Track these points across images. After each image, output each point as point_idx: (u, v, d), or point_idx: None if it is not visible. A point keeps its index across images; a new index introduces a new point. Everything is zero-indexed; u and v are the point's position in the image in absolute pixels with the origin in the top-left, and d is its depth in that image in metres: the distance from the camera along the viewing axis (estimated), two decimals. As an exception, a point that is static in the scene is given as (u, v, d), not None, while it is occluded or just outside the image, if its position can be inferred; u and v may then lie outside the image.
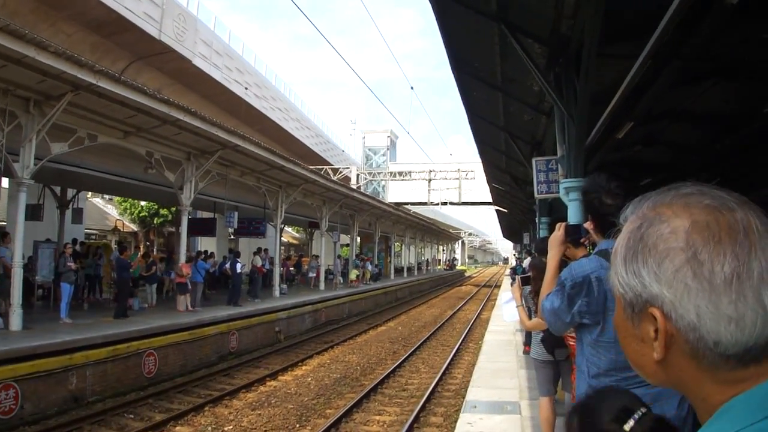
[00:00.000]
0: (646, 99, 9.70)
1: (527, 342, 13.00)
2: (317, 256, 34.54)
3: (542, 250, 6.03)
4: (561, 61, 9.17)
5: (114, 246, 28.65)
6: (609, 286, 1.03)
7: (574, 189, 9.03)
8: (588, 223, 3.21)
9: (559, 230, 3.46)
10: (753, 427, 0.79)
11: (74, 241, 21.28)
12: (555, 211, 18.29)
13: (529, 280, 5.75)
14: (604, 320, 2.84)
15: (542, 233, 18.66)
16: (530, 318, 5.77)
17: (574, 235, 3.55)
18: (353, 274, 36.07)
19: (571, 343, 5.36)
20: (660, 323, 0.89)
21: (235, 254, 23.22)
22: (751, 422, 0.79)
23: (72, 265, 16.10)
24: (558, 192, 10.71)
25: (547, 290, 3.20)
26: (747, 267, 0.84)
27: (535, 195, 13.60)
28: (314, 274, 33.09)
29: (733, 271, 0.84)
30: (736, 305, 0.83)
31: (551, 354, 6.40)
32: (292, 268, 35.12)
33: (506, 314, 6.43)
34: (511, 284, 17.83)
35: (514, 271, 28.99)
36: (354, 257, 40.20)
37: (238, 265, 21.93)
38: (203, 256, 22.84)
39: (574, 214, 8.95)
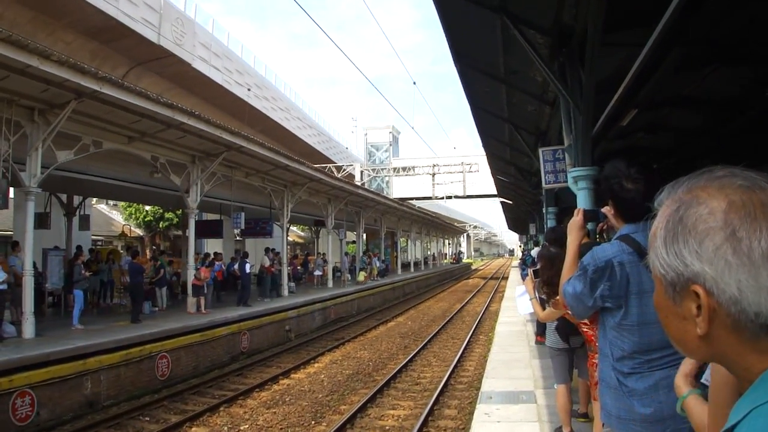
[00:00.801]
0: (649, 85, 9.70)
1: (539, 332, 13.03)
2: (322, 254, 34.60)
3: (552, 240, 6.06)
4: (565, 51, 9.16)
5: (122, 251, 28.74)
6: (646, 267, 1.06)
7: (583, 178, 9.04)
8: (607, 208, 3.20)
9: (578, 215, 3.47)
10: None
11: (80, 248, 21.33)
12: (561, 200, 18.28)
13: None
14: (626, 304, 2.83)
15: (550, 223, 18.64)
16: (543, 309, 5.80)
17: (591, 220, 3.58)
18: (361, 276, 36.08)
19: (585, 329, 5.38)
20: (703, 299, 0.93)
21: (243, 255, 23.24)
22: None
23: (86, 273, 16.18)
24: (566, 181, 10.70)
25: (568, 275, 3.18)
26: None
27: (543, 185, 13.59)
28: (321, 272, 33.14)
29: None
30: None
31: (566, 342, 6.42)
32: (299, 267, 35.17)
33: (521, 307, 6.46)
34: (522, 276, 17.77)
35: (524, 262, 28.88)
36: (361, 255, 40.21)
37: (247, 266, 21.94)
38: (211, 257, 22.89)
39: (583, 203, 8.96)
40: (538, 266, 5.76)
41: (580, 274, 2.97)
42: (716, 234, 0.92)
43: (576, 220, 3.45)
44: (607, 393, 2.97)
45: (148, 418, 11.97)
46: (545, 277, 5.47)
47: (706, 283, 0.92)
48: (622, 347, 2.86)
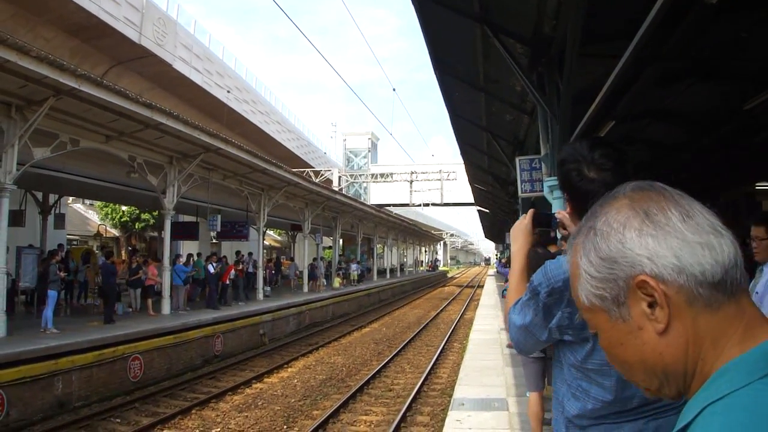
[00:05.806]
0: (627, 97, 9.82)
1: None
2: (293, 259, 34.50)
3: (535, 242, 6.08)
4: (544, 61, 9.26)
5: (97, 251, 28.45)
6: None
7: (558, 187, 9.11)
8: (561, 211, 2.37)
9: (526, 218, 2.47)
10: (752, 386, 0.82)
11: (60, 246, 21.11)
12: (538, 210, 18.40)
13: None
14: (594, 337, 1.86)
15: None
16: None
17: (543, 226, 2.54)
18: (336, 282, 36.10)
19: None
20: (651, 282, 0.92)
21: (208, 256, 23.00)
22: (748, 381, 0.83)
23: (62, 273, 15.98)
24: (542, 190, 10.80)
25: (514, 298, 2.31)
26: (690, 210, 0.94)
27: (519, 194, 13.66)
28: (295, 277, 33.03)
29: (681, 213, 0.94)
30: (699, 233, 0.92)
31: (542, 351, 6.35)
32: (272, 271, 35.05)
33: None
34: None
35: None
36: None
37: (210, 267, 21.64)
38: (182, 259, 22.68)
39: (558, 213, 9.03)
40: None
41: (529, 298, 2.18)
42: (632, 221, 0.95)
43: (523, 224, 2.46)
44: None
45: (119, 420, 11.88)
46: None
47: (645, 268, 0.93)
48: (585, 394, 2.07)
